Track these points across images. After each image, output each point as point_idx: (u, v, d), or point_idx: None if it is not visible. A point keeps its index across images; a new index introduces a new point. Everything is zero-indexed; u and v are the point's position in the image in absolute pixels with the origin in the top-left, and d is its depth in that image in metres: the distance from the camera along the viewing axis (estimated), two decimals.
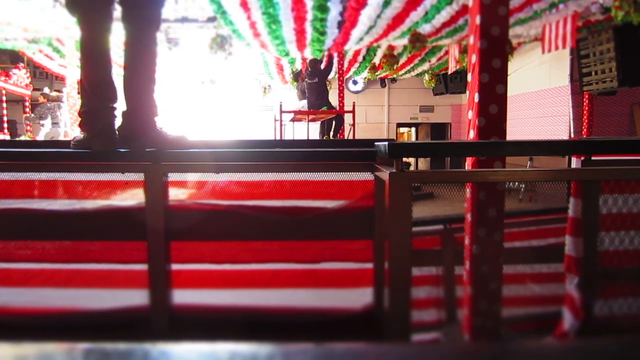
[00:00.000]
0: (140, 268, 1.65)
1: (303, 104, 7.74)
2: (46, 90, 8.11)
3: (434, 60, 8.92)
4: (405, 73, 10.31)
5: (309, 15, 5.34)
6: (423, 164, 12.41)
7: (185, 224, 1.68)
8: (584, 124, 7.36)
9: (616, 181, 1.53)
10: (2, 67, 8.44)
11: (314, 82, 7.37)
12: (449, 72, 8.49)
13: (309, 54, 7.34)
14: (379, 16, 5.45)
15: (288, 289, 1.77)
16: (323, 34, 5.95)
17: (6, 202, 1.72)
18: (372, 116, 12.48)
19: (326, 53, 7.21)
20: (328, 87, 8.01)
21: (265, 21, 5.45)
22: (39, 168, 1.72)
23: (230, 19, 5.46)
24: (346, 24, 5.68)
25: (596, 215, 1.56)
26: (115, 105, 1.80)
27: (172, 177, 1.67)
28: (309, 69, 7.49)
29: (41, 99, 7.75)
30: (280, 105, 7.44)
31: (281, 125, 7.53)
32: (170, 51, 6.89)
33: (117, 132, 1.78)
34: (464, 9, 5.05)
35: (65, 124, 7.69)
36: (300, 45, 6.68)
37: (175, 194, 1.70)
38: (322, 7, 5.07)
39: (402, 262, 1.31)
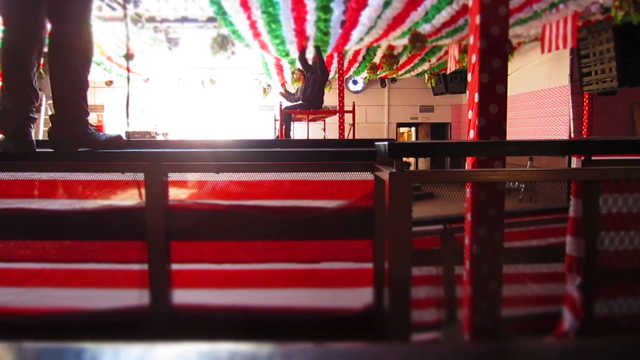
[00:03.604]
0: (140, 268, 1.65)
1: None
2: None
3: (434, 60, 8.92)
4: (405, 73, 10.31)
5: (312, 16, 5.34)
6: (423, 164, 12.41)
7: (185, 224, 1.68)
8: (584, 123, 7.36)
9: (616, 181, 1.53)
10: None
11: (314, 76, 7.30)
12: (448, 72, 8.49)
13: (310, 55, 7.33)
14: (379, 16, 5.45)
15: (288, 289, 1.77)
16: (327, 34, 5.95)
17: (6, 202, 1.72)
18: (372, 116, 12.48)
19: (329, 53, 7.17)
20: (327, 88, 7.98)
21: (265, 20, 5.45)
22: (38, 168, 1.72)
23: (230, 19, 5.46)
24: (347, 24, 5.68)
25: (596, 215, 1.56)
26: (32, 107, 1.75)
27: (172, 177, 1.67)
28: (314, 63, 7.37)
29: None
30: (280, 105, 7.43)
31: (281, 125, 7.53)
32: (170, 51, 6.89)
33: (31, 135, 1.73)
34: (464, 9, 5.04)
35: None
36: (301, 46, 6.68)
37: (175, 194, 1.70)
38: (325, 8, 5.07)
39: (402, 262, 1.31)
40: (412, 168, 11.16)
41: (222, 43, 6.16)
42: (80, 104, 1.79)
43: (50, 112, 7.45)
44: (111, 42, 6.90)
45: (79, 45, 1.75)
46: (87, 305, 1.72)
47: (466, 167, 1.99)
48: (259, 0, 4.90)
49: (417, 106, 12.58)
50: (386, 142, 1.36)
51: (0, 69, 1.75)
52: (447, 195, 1.78)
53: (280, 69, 9.41)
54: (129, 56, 5.25)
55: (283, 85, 8.01)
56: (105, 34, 6.34)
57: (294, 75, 8.36)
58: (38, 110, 7.90)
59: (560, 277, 1.65)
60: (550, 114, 8.25)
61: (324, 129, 9.15)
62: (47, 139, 1.79)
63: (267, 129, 11.31)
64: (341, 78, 8.32)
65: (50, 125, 1.78)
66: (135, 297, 1.65)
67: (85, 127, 1.79)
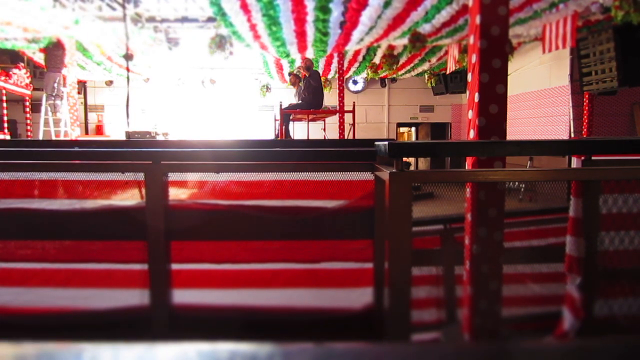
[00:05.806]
0: (140, 268, 1.65)
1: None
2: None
3: (434, 60, 8.92)
4: (405, 73, 10.32)
5: (311, 17, 5.34)
6: (423, 163, 12.41)
7: (185, 224, 1.68)
8: (584, 123, 7.36)
9: (616, 181, 1.53)
10: (2, 67, 8.43)
11: (311, 82, 7.33)
12: (448, 72, 8.50)
13: (310, 55, 7.34)
14: (379, 16, 5.45)
15: (288, 289, 1.77)
16: (326, 34, 5.95)
17: (6, 201, 1.72)
18: (372, 116, 12.48)
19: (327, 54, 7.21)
20: (327, 88, 8.00)
21: (265, 23, 5.45)
22: (38, 168, 1.71)
23: (230, 20, 5.46)
24: (347, 25, 5.67)
25: (596, 215, 1.56)
26: None
27: (172, 177, 1.67)
28: (308, 71, 7.44)
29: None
30: (280, 105, 7.43)
31: (281, 124, 7.53)
32: (170, 51, 6.90)
33: None
34: (464, 9, 5.05)
35: (66, 123, 7.70)
36: (301, 46, 6.67)
37: (176, 194, 1.70)
38: (323, 8, 5.07)
39: (402, 262, 1.31)
40: (412, 168, 11.16)
41: (220, 43, 6.16)
42: None
43: (50, 112, 7.48)
44: (111, 42, 6.89)
45: None
46: (87, 305, 1.71)
47: (466, 167, 1.99)
48: (259, 3, 4.90)
49: (417, 106, 12.58)
50: (386, 142, 1.36)
51: None
52: (447, 195, 1.78)
53: (280, 67, 9.41)
54: (129, 56, 5.25)
55: (296, 72, 8.08)
56: (105, 34, 6.34)
57: (290, 79, 8.40)
58: (38, 110, 7.89)
59: (560, 277, 1.65)
60: (550, 114, 8.24)
61: (324, 129, 9.16)
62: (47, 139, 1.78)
63: (267, 129, 11.31)
64: (341, 78, 8.32)
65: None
66: (135, 297, 1.65)
67: None
